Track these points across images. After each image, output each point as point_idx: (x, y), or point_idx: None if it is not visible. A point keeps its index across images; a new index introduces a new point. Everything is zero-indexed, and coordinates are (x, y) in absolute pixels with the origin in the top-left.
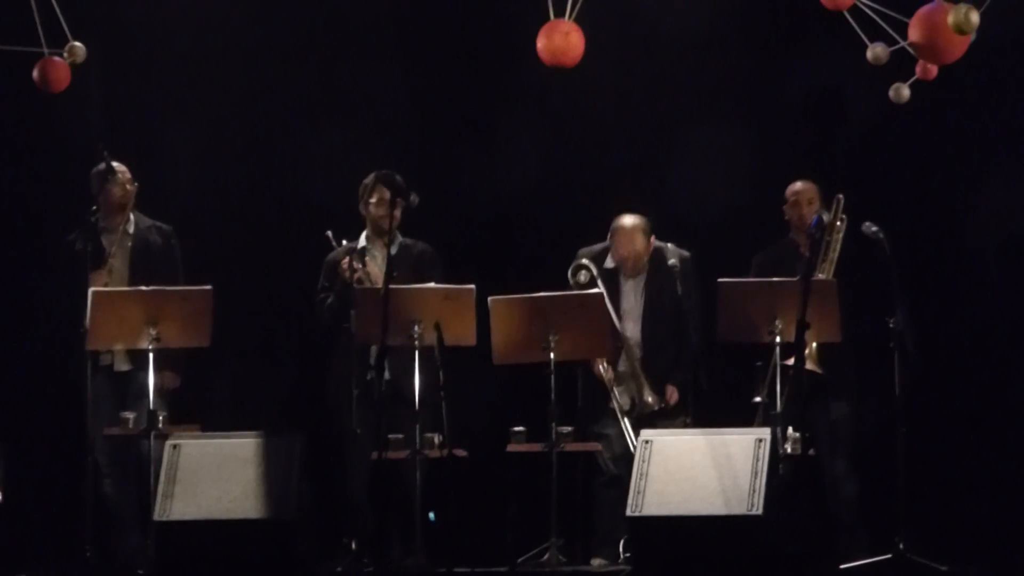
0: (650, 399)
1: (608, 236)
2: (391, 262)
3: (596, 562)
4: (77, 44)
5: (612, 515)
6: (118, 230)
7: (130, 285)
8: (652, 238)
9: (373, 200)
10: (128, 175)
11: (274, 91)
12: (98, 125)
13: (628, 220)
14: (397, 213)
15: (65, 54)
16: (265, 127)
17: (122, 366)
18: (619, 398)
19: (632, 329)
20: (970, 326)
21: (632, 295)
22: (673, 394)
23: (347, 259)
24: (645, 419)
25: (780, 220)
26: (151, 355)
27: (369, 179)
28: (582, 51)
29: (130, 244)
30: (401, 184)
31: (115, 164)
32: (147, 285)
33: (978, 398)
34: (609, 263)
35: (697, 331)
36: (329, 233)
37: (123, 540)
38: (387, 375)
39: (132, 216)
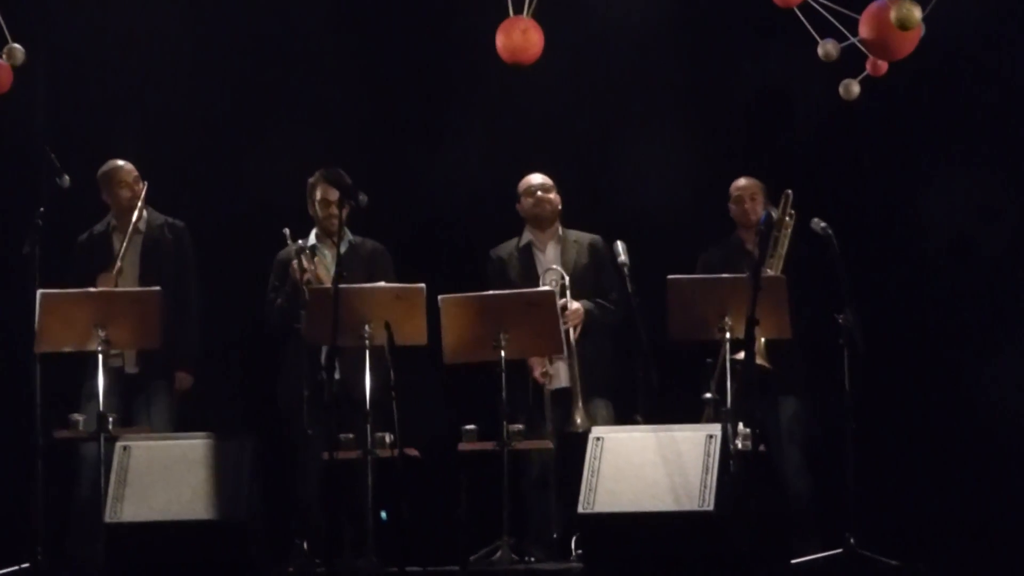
0: (578, 420)
1: (520, 198)
2: (340, 262)
3: (531, 559)
4: (16, 46)
5: (544, 513)
6: (127, 230)
7: (141, 285)
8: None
9: (318, 199)
10: (135, 174)
11: (222, 88)
12: (43, 126)
13: (538, 174)
14: (344, 213)
15: (4, 56)
16: (213, 125)
17: (131, 368)
18: (550, 409)
19: (553, 275)
20: (919, 322)
21: (551, 253)
22: (577, 310)
23: (295, 262)
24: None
25: (726, 217)
26: (100, 358)
27: (314, 177)
28: (541, 48)
29: (140, 243)
30: (347, 183)
31: (120, 163)
32: (158, 284)
33: (927, 394)
34: (523, 240)
35: (644, 327)
36: (286, 231)
37: (86, 544)
38: (338, 375)
39: (144, 213)
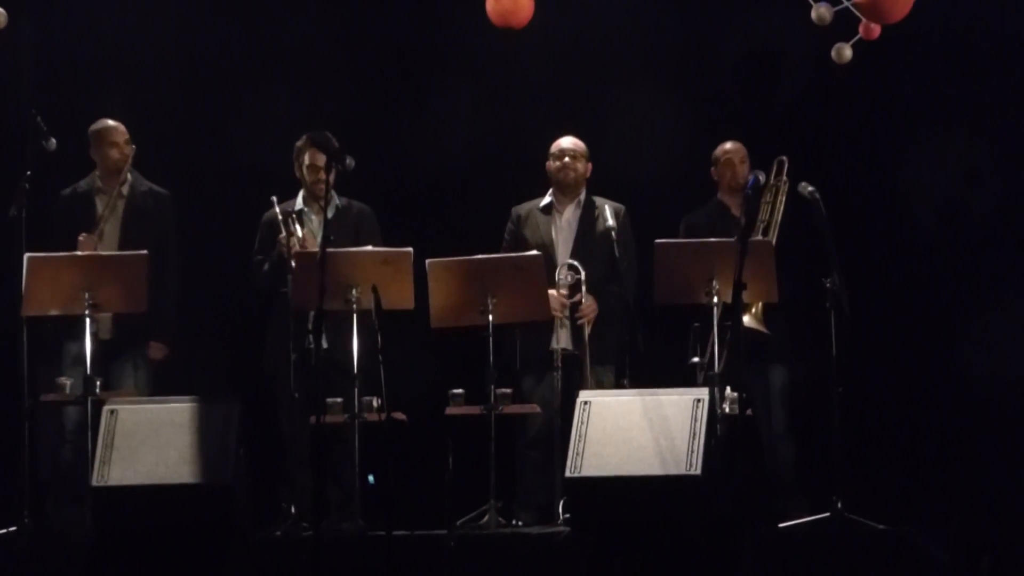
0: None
1: (549, 158)
2: (327, 226)
3: (519, 523)
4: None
5: (535, 477)
6: (113, 192)
7: (120, 249)
8: (589, 164)
9: (305, 163)
10: (126, 136)
11: (209, 50)
12: (30, 87)
13: (570, 137)
14: (331, 177)
15: None
16: (200, 87)
17: (105, 335)
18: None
19: (563, 253)
20: (906, 287)
21: (567, 229)
22: (591, 305)
23: (283, 233)
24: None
25: (709, 181)
26: (87, 321)
27: (301, 141)
28: (531, 12)
29: (123, 207)
30: (334, 146)
31: (112, 123)
32: (138, 250)
33: (913, 358)
34: (544, 201)
35: (633, 291)
36: (274, 198)
37: (71, 508)
38: (324, 340)
39: (129, 177)
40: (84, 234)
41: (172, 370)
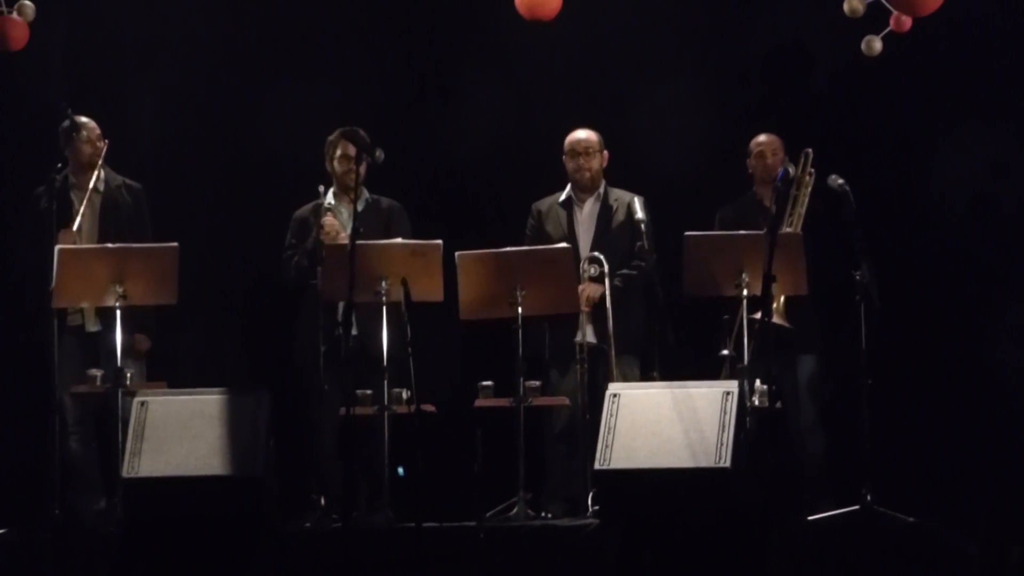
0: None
1: (564, 156)
2: (357, 218)
3: (547, 515)
4: (27, 3)
5: (563, 469)
6: (87, 188)
7: (99, 244)
8: (605, 153)
9: (337, 155)
10: (97, 131)
11: (240, 45)
12: (60, 82)
13: (582, 132)
14: (362, 170)
15: (15, 12)
16: (231, 82)
17: (92, 327)
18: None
19: (585, 246)
20: (935, 279)
21: (587, 222)
22: (589, 298)
23: (325, 222)
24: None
25: (744, 174)
26: (118, 313)
27: (333, 135)
28: (559, 4)
29: (99, 202)
30: (365, 140)
31: (84, 120)
32: (115, 244)
33: (942, 351)
34: (563, 196)
35: (655, 269)
36: (321, 188)
37: (86, 498)
38: (354, 331)
39: (102, 173)
40: (64, 230)
41: (203, 361)
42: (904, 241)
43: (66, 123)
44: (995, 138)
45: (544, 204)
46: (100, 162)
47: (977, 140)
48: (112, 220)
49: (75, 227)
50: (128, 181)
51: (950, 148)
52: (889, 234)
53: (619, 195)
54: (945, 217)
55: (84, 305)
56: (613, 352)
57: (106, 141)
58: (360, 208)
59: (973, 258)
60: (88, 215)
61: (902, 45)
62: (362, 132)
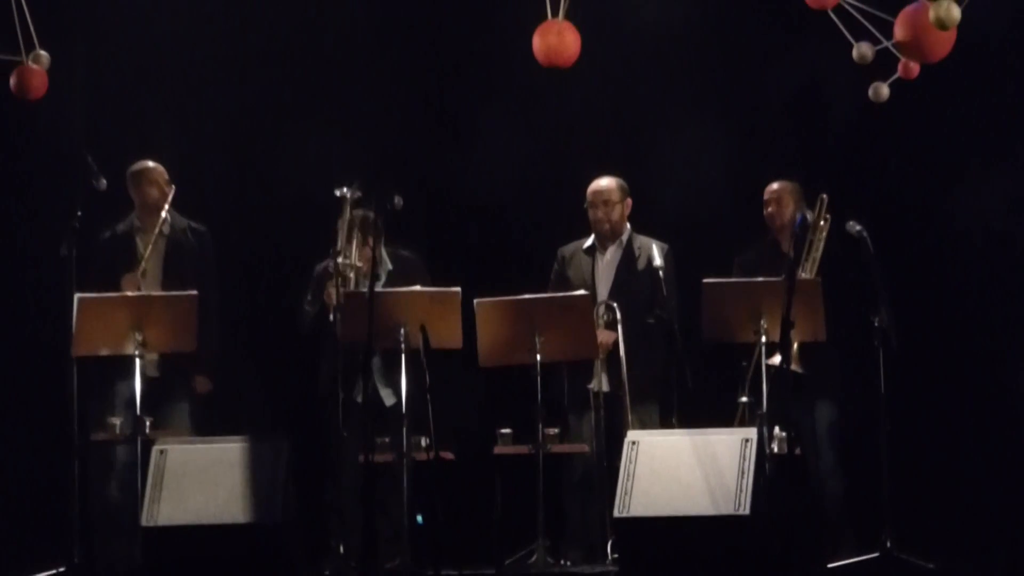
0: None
1: (586, 205)
2: (375, 264)
3: (567, 562)
4: (42, 52)
5: (582, 515)
6: (153, 231)
7: (163, 287)
8: (628, 201)
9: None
10: (165, 176)
11: (259, 91)
12: (81, 130)
13: (604, 181)
14: (378, 250)
15: (31, 61)
16: (251, 128)
17: (152, 372)
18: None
19: (603, 292)
20: (954, 323)
21: (608, 269)
22: (605, 346)
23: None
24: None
25: (762, 219)
26: (137, 360)
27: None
28: (577, 51)
29: (164, 246)
30: (374, 221)
31: (152, 164)
32: (180, 287)
33: (962, 395)
34: (587, 242)
35: (676, 318)
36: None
37: (115, 545)
38: (373, 379)
39: (168, 216)
40: (128, 274)
41: (221, 408)
42: (923, 284)
43: (135, 166)
44: (1008, 179)
45: (568, 250)
46: (167, 206)
47: (991, 182)
48: (176, 263)
49: (140, 270)
50: (193, 224)
51: (965, 190)
52: (908, 277)
53: (643, 242)
54: (962, 261)
55: (103, 353)
56: (628, 399)
57: (173, 186)
58: (391, 267)
59: (992, 302)
60: (153, 258)
61: (912, 90)
62: (370, 213)
